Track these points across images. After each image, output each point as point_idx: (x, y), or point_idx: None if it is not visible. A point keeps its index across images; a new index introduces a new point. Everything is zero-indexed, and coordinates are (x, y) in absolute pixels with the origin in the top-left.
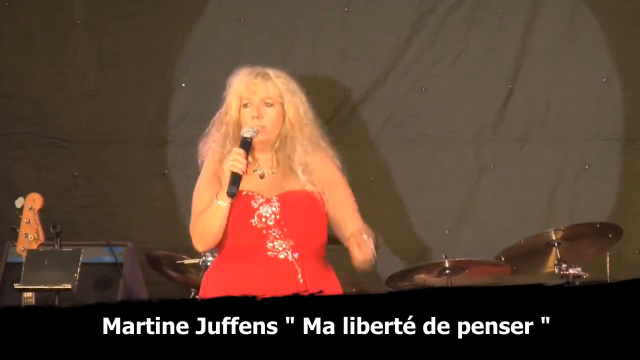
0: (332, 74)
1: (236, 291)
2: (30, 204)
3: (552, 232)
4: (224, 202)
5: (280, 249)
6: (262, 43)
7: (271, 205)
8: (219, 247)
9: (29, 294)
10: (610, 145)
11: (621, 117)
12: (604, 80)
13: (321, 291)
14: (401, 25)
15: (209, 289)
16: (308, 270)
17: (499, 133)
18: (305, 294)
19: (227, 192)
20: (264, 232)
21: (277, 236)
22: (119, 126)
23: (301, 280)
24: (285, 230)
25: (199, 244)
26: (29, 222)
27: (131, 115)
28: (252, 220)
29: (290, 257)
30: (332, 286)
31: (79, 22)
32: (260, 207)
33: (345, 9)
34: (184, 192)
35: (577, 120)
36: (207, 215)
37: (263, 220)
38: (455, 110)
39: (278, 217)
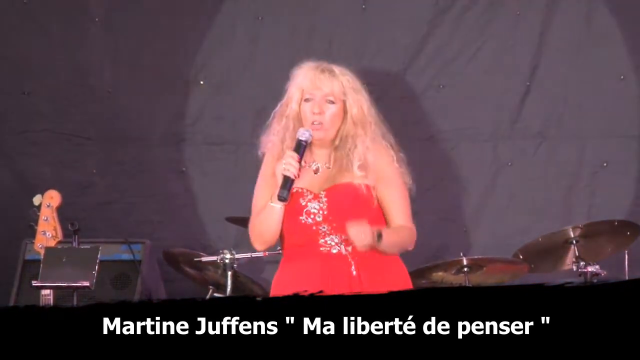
0: (349, 71)
1: (297, 290)
2: (48, 201)
3: (570, 229)
4: (277, 204)
5: (333, 243)
6: (279, 40)
7: (319, 201)
8: (282, 248)
9: (47, 292)
10: (627, 143)
11: (638, 114)
12: (621, 77)
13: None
14: (418, 22)
15: (275, 291)
16: (363, 263)
17: (516, 130)
18: (358, 287)
19: (278, 196)
20: (314, 228)
21: (327, 231)
22: (137, 123)
23: (355, 273)
24: (335, 225)
25: (257, 243)
26: (47, 220)
27: (149, 113)
28: (301, 218)
29: (343, 251)
30: (393, 275)
31: (96, 19)
32: (308, 204)
33: (363, 6)
34: (201, 189)
35: (594, 117)
36: (263, 216)
37: (311, 216)
38: (472, 108)
39: (326, 212)
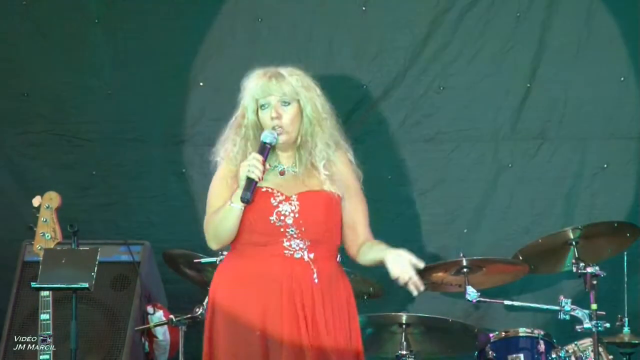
0: (349, 72)
1: (250, 288)
2: (48, 202)
3: (570, 230)
4: (237, 205)
5: (297, 248)
6: (278, 42)
7: (290, 204)
8: (233, 243)
9: (46, 293)
10: (628, 144)
11: (639, 116)
12: (622, 78)
13: None
14: (418, 23)
15: (221, 285)
16: (324, 271)
17: (517, 131)
18: (319, 295)
19: (241, 198)
20: (282, 230)
21: (294, 235)
22: (136, 125)
23: (316, 281)
24: (303, 229)
25: (212, 242)
26: (46, 221)
27: (148, 114)
28: (271, 218)
29: (306, 257)
30: (346, 288)
31: (96, 20)
32: (280, 205)
33: (363, 8)
34: (201, 190)
35: (594, 118)
36: (221, 216)
37: (282, 218)
38: (472, 109)
39: (297, 216)
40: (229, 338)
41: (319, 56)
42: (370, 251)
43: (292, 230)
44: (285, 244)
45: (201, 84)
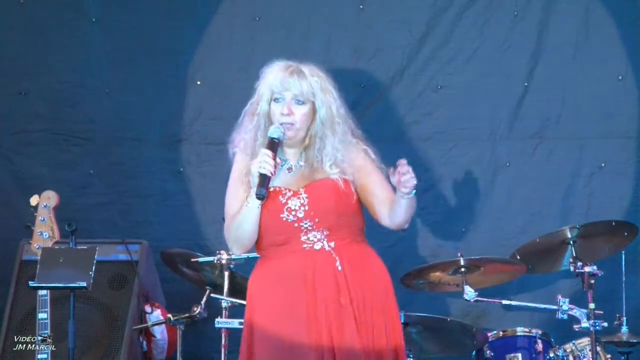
0: (347, 71)
1: (279, 289)
2: (45, 201)
3: (568, 230)
4: (254, 204)
5: (315, 240)
6: (276, 40)
7: (299, 198)
8: (257, 249)
9: (44, 292)
10: (625, 143)
11: (637, 115)
12: (620, 78)
13: None
14: (416, 23)
15: (255, 292)
16: (347, 258)
17: (515, 131)
18: (344, 282)
19: (256, 195)
20: (296, 225)
21: (309, 228)
22: (134, 124)
23: (340, 268)
24: (317, 220)
25: (235, 247)
26: (44, 220)
27: (146, 113)
28: (282, 215)
29: (326, 247)
30: (375, 270)
31: (93, 19)
32: (289, 201)
33: (360, 7)
34: (199, 189)
35: (592, 118)
36: (239, 218)
37: (293, 213)
38: (470, 108)
39: (307, 208)
40: (265, 345)
41: (316, 55)
42: (394, 200)
43: (306, 224)
44: (303, 238)
45: (198, 82)
